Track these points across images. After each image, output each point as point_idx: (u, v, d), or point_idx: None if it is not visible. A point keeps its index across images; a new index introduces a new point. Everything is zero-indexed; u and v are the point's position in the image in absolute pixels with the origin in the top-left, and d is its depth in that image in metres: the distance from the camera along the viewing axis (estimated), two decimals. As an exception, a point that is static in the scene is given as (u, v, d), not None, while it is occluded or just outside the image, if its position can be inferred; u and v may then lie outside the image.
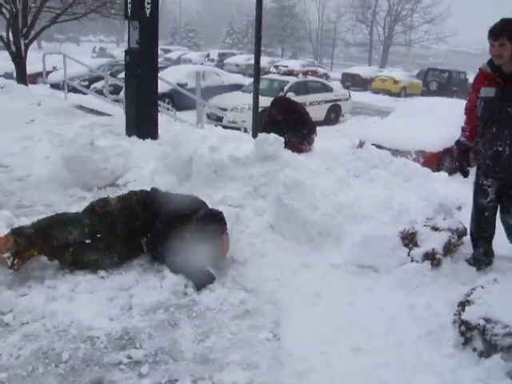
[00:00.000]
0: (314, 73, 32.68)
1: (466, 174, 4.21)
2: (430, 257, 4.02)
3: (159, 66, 8.45)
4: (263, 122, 8.25)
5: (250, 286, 3.97)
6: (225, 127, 9.19)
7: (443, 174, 6.35)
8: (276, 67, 35.23)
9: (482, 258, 4.12)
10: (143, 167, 5.93)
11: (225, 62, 42.75)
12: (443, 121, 10.44)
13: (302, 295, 3.85)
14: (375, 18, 61.16)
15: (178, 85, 14.92)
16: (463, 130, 4.22)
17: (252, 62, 8.56)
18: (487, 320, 3.11)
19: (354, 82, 34.51)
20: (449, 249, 4.13)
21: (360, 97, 26.73)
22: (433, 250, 4.04)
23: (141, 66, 7.05)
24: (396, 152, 8.92)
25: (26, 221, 4.51)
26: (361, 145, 9.38)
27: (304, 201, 4.57)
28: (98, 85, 18.27)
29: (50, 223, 4.01)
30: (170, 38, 79.72)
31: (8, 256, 3.74)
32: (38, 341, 3.17)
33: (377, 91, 32.00)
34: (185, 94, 12.21)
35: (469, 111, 4.13)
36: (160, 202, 4.22)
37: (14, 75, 15.62)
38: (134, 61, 7.09)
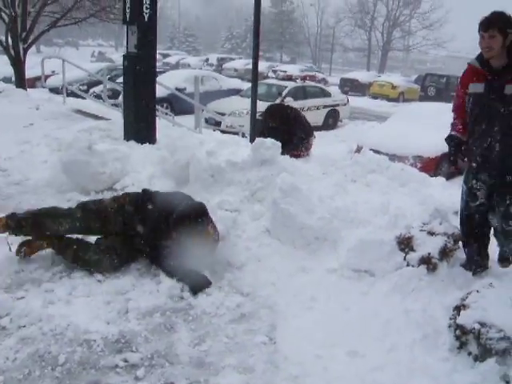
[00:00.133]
0: (313, 78, 32.76)
1: (458, 172, 4.14)
2: (426, 261, 4.03)
3: (158, 70, 8.50)
4: (260, 129, 8.25)
5: (247, 290, 3.99)
6: (223, 132, 9.22)
7: (440, 179, 6.39)
8: (274, 72, 35.35)
9: (475, 258, 4.08)
10: (141, 172, 5.95)
11: (223, 66, 42.79)
12: (441, 126, 10.42)
13: (298, 299, 3.87)
14: (374, 23, 61.32)
15: (177, 89, 14.97)
16: (454, 125, 4.09)
17: (251, 66, 8.57)
18: (482, 324, 3.13)
19: (352, 87, 34.54)
20: (445, 253, 4.13)
21: (358, 102, 26.76)
22: (429, 254, 4.04)
23: (139, 71, 7.08)
24: (393, 157, 8.94)
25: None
26: (358, 150, 9.42)
27: (300, 205, 4.59)
28: (97, 89, 18.28)
29: (43, 213, 4.14)
30: (169, 42, 79.79)
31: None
32: (34, 344, 3.18)
33: (375, 96, 32.03)
34: (183, 98, 12.24)
35: (457, 108, 4.05)
36: (150, 204, 4.23)
37: (13, 79, 15.62)
38: (132, 65, 7.11)
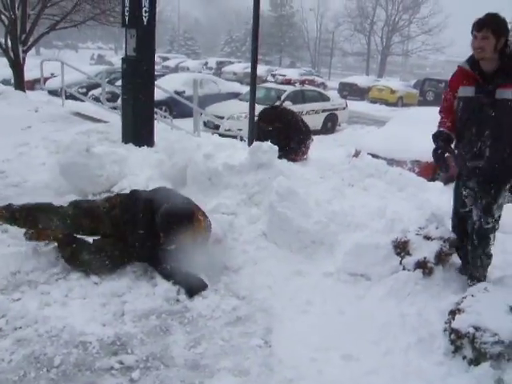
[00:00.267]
0: (312, 82, 32.76)
1: (447, 169, 3.90)
2: (422, 265, 4.03)
3: (157, 73, 8.51)
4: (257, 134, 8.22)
5: (243, 293, 3.99)
6: (222, 135, 9.21)
7: (438, 184, 6.40)
8: (273, 76, 35.34)
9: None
10: (138, 174, 5.96)
11: (223, 70, 42.85)
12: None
13: (293, 303, 3.88)
14: (373, 27, 61.47)
15: (176, 93, 14.98)
16: (442, 123, 3.95)
17: (250, 70, 8.58)
18: (477, 328, 3.14)
19: (351, 91, 34.59)
20: (440, 258, 4.14)
21: (357, 106, 26.80)
22: (424, 258, 4.05)
23: (138, 74, 7.10)
24: (392, 161, 8.94)
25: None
26: (357, 154, 9.43)
27: (297, 209, 4.60)
28: (96, 92, 18.29)
29: (37, 207, 4.21)
30: (169, 45, 79.85)
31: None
32: (30, 346, 3.19)
33: (374, 101, 32.07)
34: (182, 101, 12.25)
35: (445, 110, 3.96)
36: (136, 205, 4.22)
37: (12, 81, 15.64)
38: (131, 68, 7.14)
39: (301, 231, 4.56)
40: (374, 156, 7.49)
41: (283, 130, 7.67)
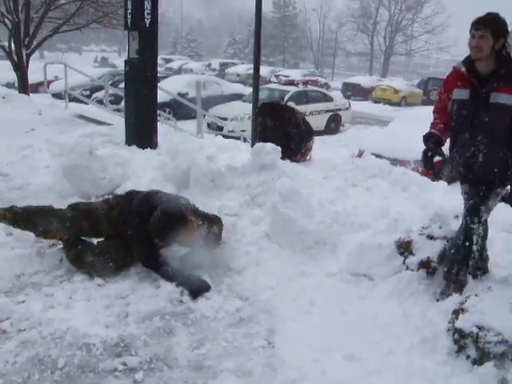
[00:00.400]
0: (315, 82, 32.77)
1: (433, 170, 3.86)
2: (425, 265, 4.03)
3: (160, 75, 8.53)
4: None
5: (246, 294, 4.00)
6: (225, 137, 9.22)
7: (442, 183, 6.38)
8: (277, 77, 35.37)
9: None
10: (141, 176, 5.97)
11: (226, 71, 42.91)
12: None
13: (296, 303, 3.88)
14: (376, 27, 61.39)
15: (179, 94, 15.01)
16: (434, 124, 3.83)
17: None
18: (480, 328, 3.14)
19: (354, 91, 34.57)
20: (444, 257, 4.13)
21: (360, 106, 26.81)
22: (428, 258, 4.05)
23: (140, 76, 7.12)
24: (395, 161, 8.94)
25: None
26: (360, 154, 9.43)
27: (300, 210, 4.60)
28: (100, 94, 18.35)
29: (37, 211, 4.26)
30: (172, 47, 79.93)
31: None
32: (34, 348, 3.20)
33: (377, 101, 32.04)
34: (185, 103, 12.27)
35: (439, 111, 3.84)
36: (130, 207, 4.21)
37: (16, 85, 15.69)
38: (133, 71, 7.16)
39: (304, 232, 4.57)
40: (378, 156, 7.49)
41: (282, 128, 7.55)
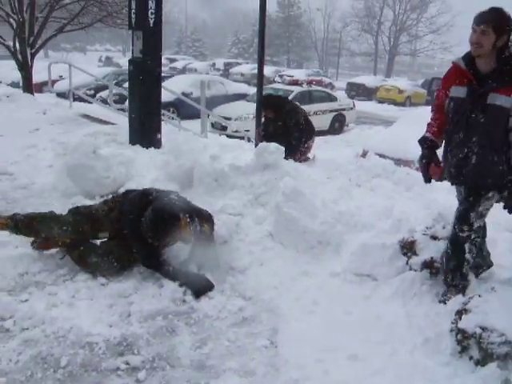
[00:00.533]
0: (319, 82, 32.79)
1: (427, 179, 3.81)
2: (429, 265, 4.02)
3: (164, 75, 8.54)
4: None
5: (249, 293, 3.99)
6: (229, 137, 9.23)
7: (446, 184, 6.35)
8: (281, 76, 35.40)
9: (476, 260, 3.80)
10: (145, 176, 5.98)
11: (230, 71, 42.99)
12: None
13: (300, 303, 3.87)
14: (380, 27, 61.35)
15: (183, 94, 15.02)
16: (429, 125, 3.76)
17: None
18: (483, 328, 3.12)
19: (358, 91, 34.56)
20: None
21: (365, 106, 26.78)
22: (431, 258, 4.03)
23: (144, 76, 7.12)
24: (399, 161, 8.92)
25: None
26: (364, 154, 9.41)
27: (303, 209, 4.60)
28: (104, 94, 18.38)
29: (38, 217, 4.25)
30: (176, 47, 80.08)
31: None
32: (37, 346, 3.20)
33: (382, 101, 32.04)
34: (189, 103, 12.28)
35: (436, 108, 3.72)
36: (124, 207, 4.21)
37: (21, 84, 15.73)
38: (137, 70, 7.17)
39: (307, 231, 4.56)
40: (382, 156, 7.48)
41: (282, 121, 7.44)
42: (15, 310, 3.51)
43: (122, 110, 12.18)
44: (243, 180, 5.31)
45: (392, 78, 49.84)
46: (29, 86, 14.75)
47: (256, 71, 8.53)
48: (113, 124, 9.92)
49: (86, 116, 11.74)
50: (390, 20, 60.74)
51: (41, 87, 19.90)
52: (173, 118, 14.39)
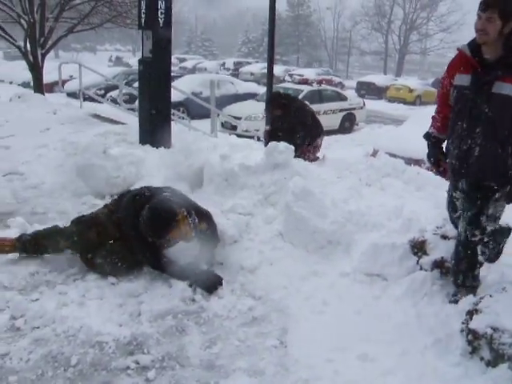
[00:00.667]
0: (329, 81, 32.73)
1: (442, 172, 3.68)
2: (439, 265, 3.99)
3: (174, 74, 8.55)
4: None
5: (259, 293, 3.99)
6: (239, 136, 9.22)
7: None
8: (291, 76, 35.36)
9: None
10: (155, 175, 5.98)
11: (240, 70, 42.95)
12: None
13: (309, 303, 3.86)
14: (390, 26, 61.16)
15: (193, 94, 15.04)
16: (433, 120, 3.67)
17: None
18: (494, 329, 3.10)
19: (368, 90, 34.49)
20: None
21: (375, 105, 26.71)
22: (442, 258, 4.01)
23: (154, 76, 7.14)
24: (410, 160, 8.88)
25: (39, 227, 4.61)
26: (374, 153, 9.39)
27: (313, 209, 4.59)
28: (114, 93, 18.44)
29: (43, 234, 4.21)
30: (186, 46, 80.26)
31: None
32: (47, 345, 3.22)
33: (392, 100, 31.96)
34: (199, 102, 12.29)
35: (440, 99, 3.59)
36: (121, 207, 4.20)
37: (31, 84, 15.82)
38: (147, 70, 7.18)
39: (317, 231, 4.55)
40: (392, 155, 7.44)
41: (288, 119, 7.38)
42: (26, 308, 3.52)
43: (132, 109, 12.21)
44: (253, 179, 5.30)
45: (402, 76, 49.70)
46: (39, 86, 14.83)
47: (266, 70, 8.51)
48: (123, 124, 9.95)
49: (97, 116, 11.78)
50: (400, 19, 60.55)
51: (51, 87, 20.02)
52: (183, 118, 14.41)
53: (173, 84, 8.81)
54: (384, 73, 55.91)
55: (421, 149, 10.33)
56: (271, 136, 6.99)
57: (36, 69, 14.61)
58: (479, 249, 3.52)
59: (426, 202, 5.28)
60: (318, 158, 7.61)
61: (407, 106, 29.30)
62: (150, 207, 3.83)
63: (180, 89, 12.78)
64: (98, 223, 4.16)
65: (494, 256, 3.77)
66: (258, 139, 11.67)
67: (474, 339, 3.17)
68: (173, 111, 9.37)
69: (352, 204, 5.06)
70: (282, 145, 5.38)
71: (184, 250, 4.02)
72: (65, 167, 6.54)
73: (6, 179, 6.42)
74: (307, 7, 69.76)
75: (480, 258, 3.57)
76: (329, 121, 16.92)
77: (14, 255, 4.23)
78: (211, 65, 47.40)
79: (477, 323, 3.19)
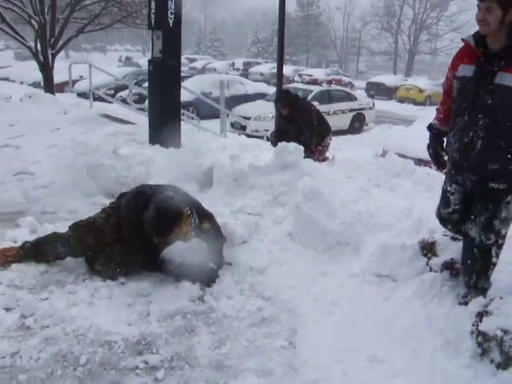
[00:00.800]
0: (339, 81, 32.68)
1: (441, 165, 3.59)
2: (449, 266, 3.97)
3: (184, 75, 8.56)
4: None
5: (268, 293, 3.99)
6: (248, 136, 9.23)
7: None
8: (300, 76, 35.33)
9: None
10: (164, 175, 5.99)
11: (249, 70, 42.99)
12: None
13: (319, 304, 3.86)
14: (400, 26, 61.01)
15: (203, 94, 15.06)
16: (437, 111, 3.61)
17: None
18: (505, 331, 3.08)
19: (378, 90, 34.41)
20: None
21: (384, 106, 26.66)
22: (452, 259, 3.98)
23: (164, 76, 7.14)
24: (419, 161, 8.85)
25: (49, 227, 4.65)
26: (384, 154, 9.36)
27: (322, 210, 4.58)
28: (124, 94, 18.54)
29: (44, 241, 4.18)
30: (195, 47, 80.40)
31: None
32: (57, 344, 3.23)
33: (402, 100, 31.87)
34: (208, 102, 12.31)
35: (444, 92, 3.52)
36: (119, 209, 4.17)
37: (42, 84, 15.92)
38: (157, 70, 7.19)
39: (326, 232, 4.54)
40: (402, 156, 7.41)
41: (294, 119, 7.35)
42: (36, 308, 3.54)
43: (142, 109, 12.26)
44: (262, 180, 5.30)
45: (412, 77, 49.49)
46: (50, 86, 14.92)
47: (275, 71, 8.52)
48: (133, 124, 9.98)
49: (106, 116, 11.83)
50: (409, 18, 60.38)
51: (62, 87, 20.10)
52: (192, 118, 14.43)
53: (182, 84, 8.83)
54: (394, 73, 55.73)
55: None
56: (279, 137, 6.98)
57: (46, 69, 14.71)
58: (493, 251, 3.46)
59: (436, 203, 5.24)
60: (328, 158, 7.61)
61: (417, 107, 29.20)
62: (156, 206, 3.76)
63: (190, 89, 12.81)
64: (96, 228, 4.10)
65: None
66: (268, 139, 11.67)
67: (484, 341, 3.15)
68: (182, 111, 9.38)
69: (361, 204, 5.05)
70: (292, 145, 5.38)
71: (182, 249, 4.02)
72: (75, 167, 6.56)
73: (16, 179, 6.46)
74: (317, 7, 69.74)
75: (494, 259, 3.53)
76: (338, 121, 16.91)
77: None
78: (221, 65, 47.45)
79: (487, 325, 3.17)
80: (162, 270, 4.07)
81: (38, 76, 18.02)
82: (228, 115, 13.16)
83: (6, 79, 29.66)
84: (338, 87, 21.38)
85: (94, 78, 13.80)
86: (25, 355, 3.11)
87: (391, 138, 12.83)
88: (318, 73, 38.07)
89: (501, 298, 3.37)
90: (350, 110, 18.42)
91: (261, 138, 11.81)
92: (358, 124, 18.73)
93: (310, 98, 16.84)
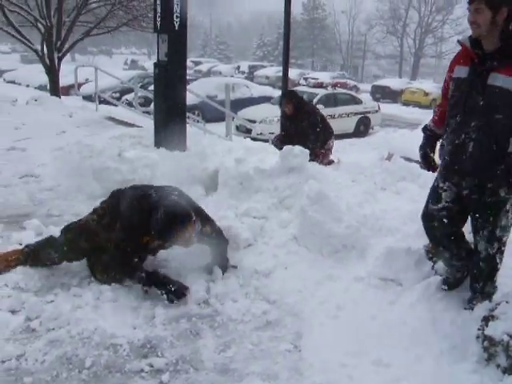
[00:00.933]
0: (344, 85, 32.65)
1: (430, 166, 3.62)
2: (455, 270, 3.96)
3: (189, 78, 8.57)
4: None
5: (273, 297, 3.98)
6: (254, 139, 9.22)
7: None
8: (306, 79, 35.34)
9: (454, 263, 3.64)
10: (170, 178, 5.97)
11: (255, 74, 43.04)
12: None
13: (324, 307, 3.85)
14: (405, 29, 60.99)
15: (208, 97, 15.07)
16: (433, 113, 3.59)
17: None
18: (511, 336, 3.07)
19: (383, 94, 34.37)
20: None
21: (390, 109, 26.62)
22: (457, 263, 3.97)
23: (169, 79, 7.15)
24: (424, 164, 8.82)
25: (54, 229, 4.64)
26: (389, 157, 9.34)
27: (328, 213, 4.57)
28: (130, 97, 18.56)
29: (40, 246, 4.17)
30: (201, 50, 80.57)
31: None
32: (62, 347, 3.24)
33: (407, 103, 31.83)
34: (214, 106, 12.32)
35: (442, 94, 3.46)
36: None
37: (48, 87, 15.98)
38: (162, 73, 7.19)
39: (332, 235, 4.53)
40: (407, 159, 7.39)
41: (299, 122, 7.34)
42: (41, 310, 3.55)
43: (148, 112, 12.28)
44: (268, 183, 5.30)
45: (417, 80, 49.39)
46: (56, 89, 14.98)
47: (281, 74, 8.52)
48: (138, 127, 9.99)
49: (112, 119, 11.86)
50: (415, 22, 60.36)
51: (68, 90, 20.19)
52: (197, 121, 14.45)
53: (188, 87, 8.83)
54: (399, 76, 55.69)
55: (436, 153, 10.27)
56: (283, 140, 6.97)
57: (52, 72, 14.77)
58: (498, 257, 3.45)
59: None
60: (333, 161, 7.60)
61: (422, 110, 29.08)
62: (166, 211, 3.72)
63: (195, 92, 12.83)
64: (87, 230, 4.06)
65: None
66: (272, 143, 11.67)
67: (490, 346, 3.14)
68: (188, 114, 9.38)
69: (367, 208, 5.04)
70: (297, 148, 5.37)
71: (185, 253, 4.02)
72: (80, 170, 6.58)
73: (22, 181, 6.48)
74: (322, 11, 69.85)
75: (499, 265, 3.51)
76: (344, 124, 16.93)
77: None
78: (226, 68, 47.57)
79: (493, 330, 3.15)
80: (132, 277, 3.91)
81: (44, 79, 18.08)
82: (233, 118, 13.18)
83: (13, 82, 29.80)
84: (344, 90, 21.38)
85: (100, 81, 13.84)
86: (30, 358, 3.12)
87: (396, 141, 12.78)
88: (324, 76, 38.08)
89: (507, 302, 3.35)
90: (356, 114, 18.42)
91: (266, 141, 11.81)
92: (363, 127, 18.74)
93: (315, 101, 16.84)
